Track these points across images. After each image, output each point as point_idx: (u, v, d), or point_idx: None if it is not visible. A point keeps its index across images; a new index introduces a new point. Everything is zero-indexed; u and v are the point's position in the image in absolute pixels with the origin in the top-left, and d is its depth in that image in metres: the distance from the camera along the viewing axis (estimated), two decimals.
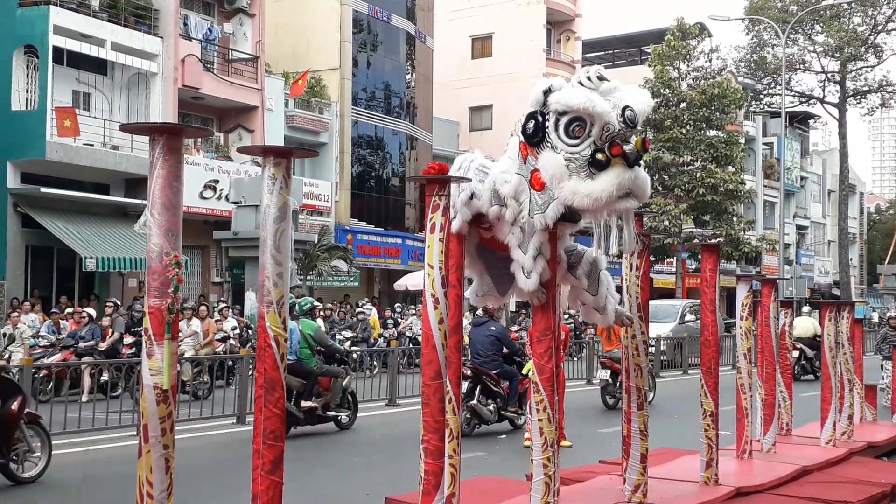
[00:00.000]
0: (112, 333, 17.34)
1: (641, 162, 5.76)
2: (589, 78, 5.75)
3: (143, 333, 3.96)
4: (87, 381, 15.32)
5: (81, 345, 16.62)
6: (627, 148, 5.55)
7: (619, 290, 7.22)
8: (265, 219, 4.35)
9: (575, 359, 23.61)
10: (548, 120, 5.71)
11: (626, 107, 5.60)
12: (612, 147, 5.53)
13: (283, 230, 4.33)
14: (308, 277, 26.82)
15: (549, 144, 5.69)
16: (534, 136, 5.74)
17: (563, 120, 5.63)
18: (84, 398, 14.68)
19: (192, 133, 4.86)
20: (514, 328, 29.38)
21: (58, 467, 9.64)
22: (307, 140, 30.39)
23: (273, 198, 4.34)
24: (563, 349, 12.09)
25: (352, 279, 31.02)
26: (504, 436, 12.65)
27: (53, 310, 19.14)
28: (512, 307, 30.94)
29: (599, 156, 5.52)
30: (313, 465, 10.28)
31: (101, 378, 14.87)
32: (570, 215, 5.84)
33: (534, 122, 5.75)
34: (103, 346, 16.97)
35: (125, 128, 4.26)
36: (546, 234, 5.88)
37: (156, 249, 3.91)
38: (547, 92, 5.74)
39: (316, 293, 28.28)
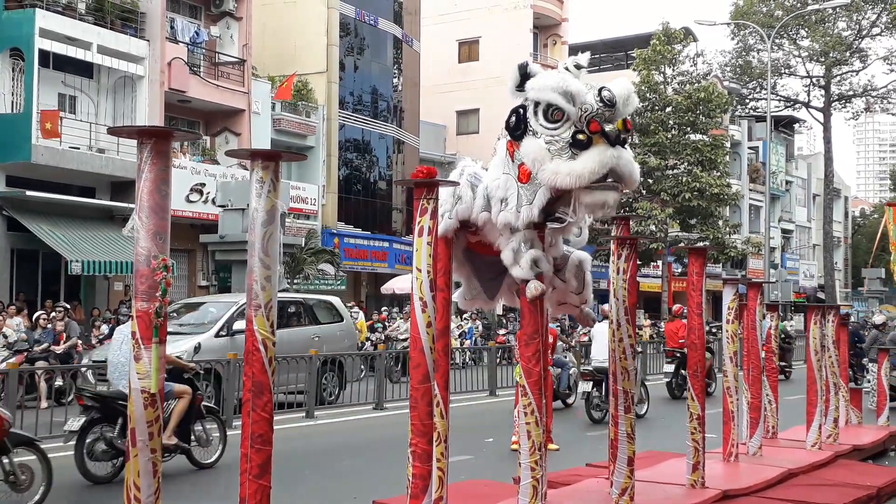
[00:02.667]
0: (67, 338, 17.19)
1: (627, 147, 5.81)
2: (567, 67, 5.84)
3: (130, 337, 3.95)
4: (43, 386, 15.06)
5: (36, 348, 16.46)
6: (608, 127, 5.62)
7: (605, 293, 7.24)
8: (253, 222, 4.34)
9: None
10: (528, 110, 5.79)
11: (603, 87, 5.69)
12: (589, 124, 5.60)
13: (272, 233, 4.34)
14: (295, 281, 26.77)
15: (530, 132, 5.77)
16: (516, 129, 5.85)
17: (542, 105, 5.74)
18: (43, 404, 14.44)
19: (180, 136, 4.86)
20: (502, 332, 29.46)
21: None
22: (294, 143, 30.34)
23: (261, 201, 4.34)
24: (550, 352, 12.13)
25: (339, 283, 30.97)
26: (491, 439, 12.67)
27: (39, 313, 19.03)
28: (499, 311, 30.96)
29: (580, 136, 5.60)
30: (301, 468, 10.26)
31: (57, 383, 14.75)
32: (558, 217, 5.88)
33: (515, 115, 5.86)
34: (58, 349, 16.85)
35: (114, 131, 4.26)
36: (534, 232, 5.90)
37: (143, 253, 3.91)
38: (523, 67, 5.86)
39: None
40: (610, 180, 5.69)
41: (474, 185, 6.18)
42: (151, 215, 3.91)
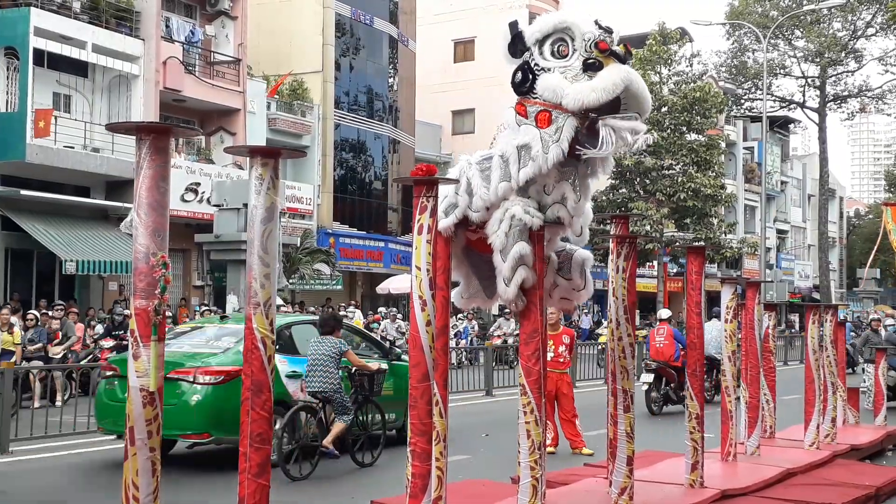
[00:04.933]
0: (64, 337, 17.09)
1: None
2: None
3: (129, 335, 3.91)
4: (37, 386, 14.94)
5: (30, 347, 16.37)
6: (616, 48, 5.88)
7: (603, 292, 7.20)
8: (252, 220, 4.31)
9: None
10: (532, 58, 5.98)
11: (596, 18, 6.00)
12: (598, 45, 5.84)
13: (271, 231, 4.30)
14: (290, 280, 26.73)
15: (542, 72, 5.94)
16: (523, 84, 6.00)
17: (546, 45, 5.96)
18: (36, 404, 14.34)
19: (179, 133, 4.82)
20: (497, 332, 29.40)
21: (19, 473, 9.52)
22: (289, 143, 30.26)
23: (260, 198, 4.31)
24: (569, 353, 12.09)
25: (334, 283, 30.94)
26: (486, 434, 12.63)
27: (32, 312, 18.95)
28: (495, 311, 30.93)
29: (591, 60, 5.83)
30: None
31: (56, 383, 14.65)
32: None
33: (521, 71, 6.03)
34: (58, 350, 16.75)
35: (112, 127, 4.21)
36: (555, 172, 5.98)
37: (142, 250, 3.86)
38: (514, 26, 6.12)
39: (298, 296, 28.23)
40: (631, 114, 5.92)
41: (484, 167, 6.16)
42: (150, 212, 3.86)
